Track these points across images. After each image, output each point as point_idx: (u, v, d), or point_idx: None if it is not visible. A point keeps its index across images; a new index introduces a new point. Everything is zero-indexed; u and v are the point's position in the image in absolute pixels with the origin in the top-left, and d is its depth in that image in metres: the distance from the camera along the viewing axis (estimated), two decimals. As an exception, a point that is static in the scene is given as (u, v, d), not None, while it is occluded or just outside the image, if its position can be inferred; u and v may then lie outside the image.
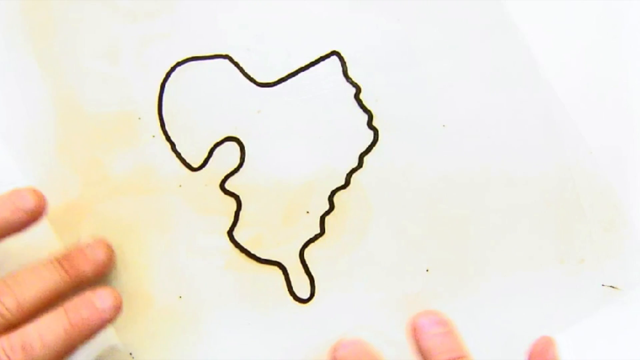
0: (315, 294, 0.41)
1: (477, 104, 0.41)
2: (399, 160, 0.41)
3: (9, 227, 0.36)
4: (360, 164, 0.41)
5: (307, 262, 0.41)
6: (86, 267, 0.37)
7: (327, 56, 0.41)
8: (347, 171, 0.41)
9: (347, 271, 0.41)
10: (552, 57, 0.41)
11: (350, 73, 0.41)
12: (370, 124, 0.41)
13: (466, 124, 0.41)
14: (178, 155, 0.41)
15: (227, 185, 0.41)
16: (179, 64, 0.40)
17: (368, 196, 0.41)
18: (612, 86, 0.41)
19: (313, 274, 0.41)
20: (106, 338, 0.40)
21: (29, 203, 0.36)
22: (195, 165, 0.41)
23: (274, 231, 0.41)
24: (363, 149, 0.41)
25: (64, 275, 0.37)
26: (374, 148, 0.41)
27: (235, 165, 0.41)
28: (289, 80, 0.41)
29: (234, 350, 0.41)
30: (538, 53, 0.41)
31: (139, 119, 0.41)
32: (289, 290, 0.41)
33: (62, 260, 0.37)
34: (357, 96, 0.41)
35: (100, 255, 0.38)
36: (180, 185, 0.41)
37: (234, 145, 0.41)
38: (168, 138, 0.41)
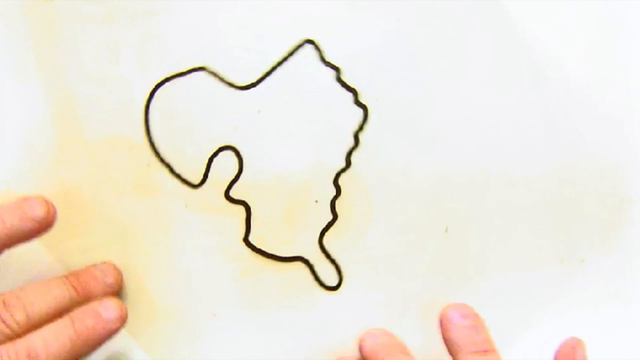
0: (343, 279, 0.41)
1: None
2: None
3: (17, 235, 0.36)
4: (356, 143, 0.41)
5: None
6: (96, 289, 0.38)
7: (301, 45, 0.41)
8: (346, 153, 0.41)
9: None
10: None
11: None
12: (357, 101, 0.41)
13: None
14: (177, 176, 0.40)
15: (232, 194, 0.41)
16: (157, 85, 0.40)
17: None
18: (612, 86, 0.41)
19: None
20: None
21: (39, 212, 0.35)
22: (196, 182, 0.41)
23: (288, 227, 0.41)
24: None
25: (73, 294, 0.37)
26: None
27: (235, 173, 0.41)
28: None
29: (267, 350, 0.41)
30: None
31: (130, 150, 0.40)
32: (317, 280, 0.41)
33: (72, 279, 0.38)
34: (338, 78, 0.41)
35: (109, 280, 0.39)
36: (186, 206, 0.41)
37: (229, 152, 0.41)
38: (164, 162, 0.40)
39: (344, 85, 0.41)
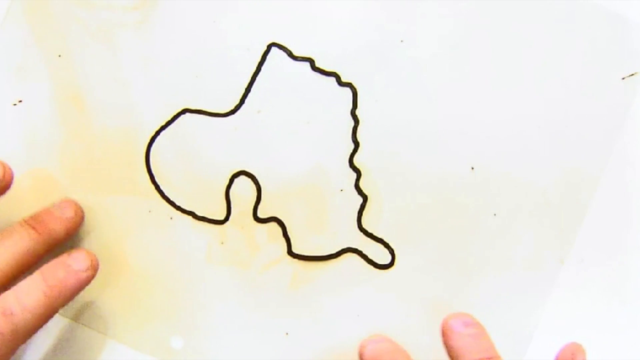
0: (395, 254, 0.41)
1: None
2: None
3: None
4: (356, 121, 0.41)
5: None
6: (56, 225, 0.38)
7: (268, 50, 0.41)
8: (350, 132, 0.41)
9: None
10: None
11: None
12: (341, 82, 0.41)
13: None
14: (203, 219, 0.41)
15: (260, 214, 0.41)
16: (150, 144, 0.41)
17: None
18: (614, 86, 0.41)
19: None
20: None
21: None
22: (220, 217, 0.41)
23: (321, 224, 0.41)
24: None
25: (35, 235, 0.37)
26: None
27: (255, 195, 0.41)
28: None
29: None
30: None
31: (150, 211, 0.41)
32: (371, 263, 0.41)
33: (32, 222, 0.38)
34: (315, 67, 0.41)
35: (69, 213, 0.39)
36: (222, 242, 0.41)
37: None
38: (186, 211, 0.41)
39: (323, 72, 0.41)
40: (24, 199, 0.40)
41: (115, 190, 0.41)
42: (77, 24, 0.41)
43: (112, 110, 0.41)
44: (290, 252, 0.41)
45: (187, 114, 0.41)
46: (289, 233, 0.41)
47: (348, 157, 0.41)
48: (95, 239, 0.41)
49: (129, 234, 0.41)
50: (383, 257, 0.41)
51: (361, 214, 0.41)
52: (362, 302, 0.41)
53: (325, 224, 0.41)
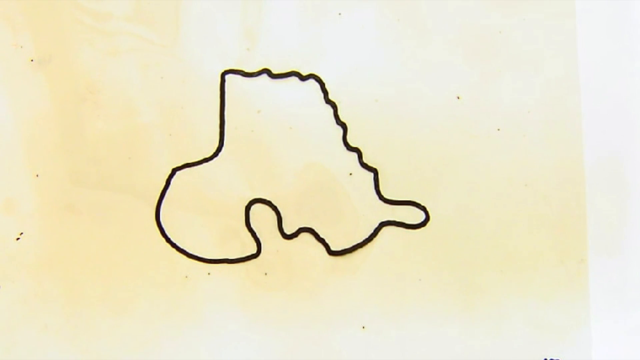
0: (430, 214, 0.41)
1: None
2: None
3: None
4: (334, 107, 0.41)
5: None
6: None
7: (223, 80, 0.41)
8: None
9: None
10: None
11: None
12: (302, 78, 0.41)
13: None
14: (239, 260, 0.41)
15: (287, 231, 0.41)
16: (157, 214, 0.41)
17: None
18: (614, 86, 0.40)
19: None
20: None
21: None
22: (254, 251, 0.41)
23: (345, 212, 0.41)
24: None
25: None
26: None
27: (276, 218, 0.41)
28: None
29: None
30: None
31: (186, 277, 0.41)
32: (407, 226, 0.41)
33: None
34: (271, 75, 0.41)
35: None
36: (266, 274, 0.41)
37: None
38: (218, 261, 0.41)
39: (282, 75, 0.41)
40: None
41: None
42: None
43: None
44: (330, 252, 0.41)
45: (178, 172, 0.41)
46: (321, 235, 0.41)
47: (341, 142, 0.41)
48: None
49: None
50: (414, 219, 0.41)
51: (378, 187, 0.41)
52: (410, 265, 0.41)
53: (349, 211, 0.41)
